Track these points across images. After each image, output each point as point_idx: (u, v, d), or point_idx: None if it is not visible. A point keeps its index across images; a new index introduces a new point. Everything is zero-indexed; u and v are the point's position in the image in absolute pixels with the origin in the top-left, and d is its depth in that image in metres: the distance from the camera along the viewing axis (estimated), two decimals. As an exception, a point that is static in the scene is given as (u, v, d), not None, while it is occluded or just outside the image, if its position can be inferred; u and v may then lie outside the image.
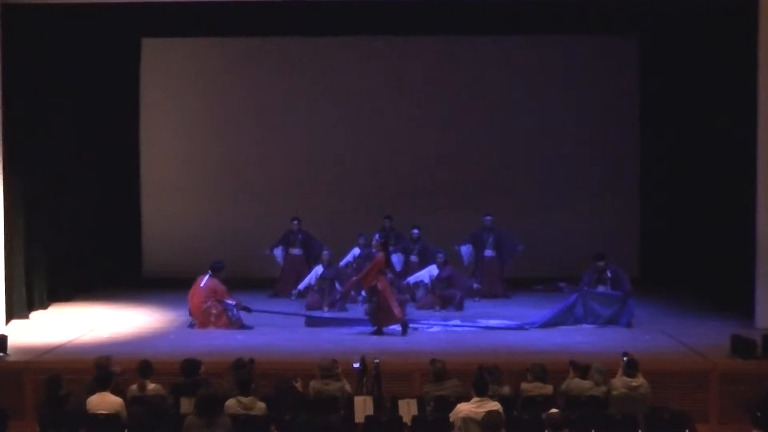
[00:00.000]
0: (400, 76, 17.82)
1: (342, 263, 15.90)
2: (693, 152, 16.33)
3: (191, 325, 13.55)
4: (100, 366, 9.55)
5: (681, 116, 16.68)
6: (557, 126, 17.70)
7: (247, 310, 13.67)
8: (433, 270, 15.34)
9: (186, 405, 9.13)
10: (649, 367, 10.12)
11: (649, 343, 12.23)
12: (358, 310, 14.64)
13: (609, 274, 13.88)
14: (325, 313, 14.74)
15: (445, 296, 15.14)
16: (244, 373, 9.33)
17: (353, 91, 17.89)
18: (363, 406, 9.22)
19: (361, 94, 17.88)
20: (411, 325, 13.31)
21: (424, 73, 17.82)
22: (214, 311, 13.46)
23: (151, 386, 9.51)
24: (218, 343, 12.32)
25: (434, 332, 13.32)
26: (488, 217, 16.41)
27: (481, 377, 8.86)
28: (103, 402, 8.94)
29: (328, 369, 9.67)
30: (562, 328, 13.35)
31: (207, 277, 13.68)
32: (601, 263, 13.95)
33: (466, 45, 17.65)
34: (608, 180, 17.75)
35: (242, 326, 13.46)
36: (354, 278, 14.06)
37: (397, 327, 13.14)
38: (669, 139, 17.03)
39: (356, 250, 15.98)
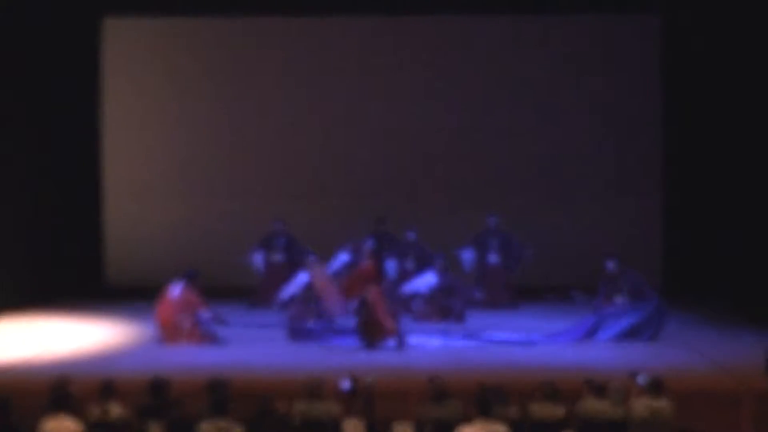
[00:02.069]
0: (394, 62, 17.83)
1: (329, 270, 15.88)
2: (724, 147, 16.34)
3: (160, 340, 13.51)
4: (56, 387, 9.51)
5: (710, 106, 16.67)
6: (568, 118, 17.73)
7: (224, 323, 13.65)
8: (430, 277, 15.33)
9: (154, 430, 9.10)
10: (673, 386, 10.12)
11: (674, 360, 12.23)
12: (348, 323, 14.59)
13: (621, 285, 13.85)
14: (311, 325, 14.73)
15: (444, 307, 15.14)
16: (219, 393, 9.32)
17: (341, 78, 17.89)
18: (353, 431, 9.20)
19: (349, 81, 17.88)
20: (407, 338, 13.30)
21: (420, 58, 17.83)
22: (186, 324, 13.45)
23: (115, 409, 9.48)
24: (190, 360, 12.31)
25: (433, 347, 13.32)
26: (492, 218, 16.44)
27: (484, 397, 8.86)
28: (60, 427, 8.91)
29: (314, 389, 9.67)
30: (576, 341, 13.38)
31: (180, 286, 13.65)
32: (611, 265, 13.92)
33: (464, 26, 17.67)
34: (627, 178, 17.76)
35: (217, 341, 13.45)
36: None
37: (391, 342, 13.14)
38: (696, 133, 17.02)
39: (344, 256, 15.96)
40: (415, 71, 17.80)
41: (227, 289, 16.20)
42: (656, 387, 9.61)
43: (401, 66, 17.82)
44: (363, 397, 9.80)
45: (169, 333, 13.43)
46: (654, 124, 17.72)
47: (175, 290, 13.63)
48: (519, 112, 17.82)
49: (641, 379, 9.77)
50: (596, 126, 17.73)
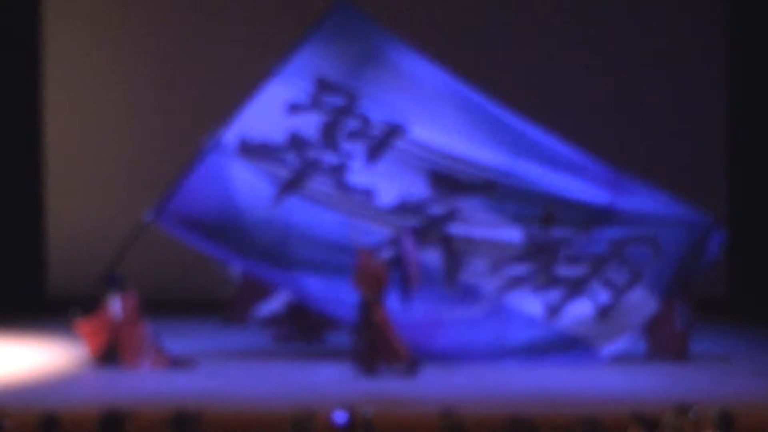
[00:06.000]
0: (392, 18, 17.78)
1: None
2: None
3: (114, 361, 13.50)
4: (-13, 421, 9.52)
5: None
6: (614, 91, 17.89)
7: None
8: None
9: (106, 474, 9.09)
10: (744, 421, 10.09)
11: (744, 389, 12.26)
12: (341, 339, 14.59)
13: None
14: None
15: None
16: (187, 429, 9.31)
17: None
18: (350, 475, 9.21)
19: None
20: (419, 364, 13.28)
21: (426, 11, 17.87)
22: (154, 345, 13.46)
23: (59, 448, 9.48)
24: (151, 388, 12.33)
25: (448, 372, 13.30)
26: None
27: (512, 436, 8.85)
28: (-8, 471, 8.90)
29: (302, 424, 9.66)
30: (622, 364, 13.37)
31: (118, 300, 13.62)
32: None
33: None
34: (685, 164, 17.81)
35: (182, 363, 13.45)
36: None
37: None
38: (762, 134, 17.18)
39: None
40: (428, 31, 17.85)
41: (195, 301, 16.18)
42: (726, 422, 9.57)
43: (409, 27, 17.86)
44: (362, 434, 9.81)
45: (130, 352, 13.44)
46: (716, 97, 17.90)
47: (117, 307, 13.62)
48: (550, 84, 17.98)
49: (695, 414, 9.73)
50: (651, 101, 17.93)
